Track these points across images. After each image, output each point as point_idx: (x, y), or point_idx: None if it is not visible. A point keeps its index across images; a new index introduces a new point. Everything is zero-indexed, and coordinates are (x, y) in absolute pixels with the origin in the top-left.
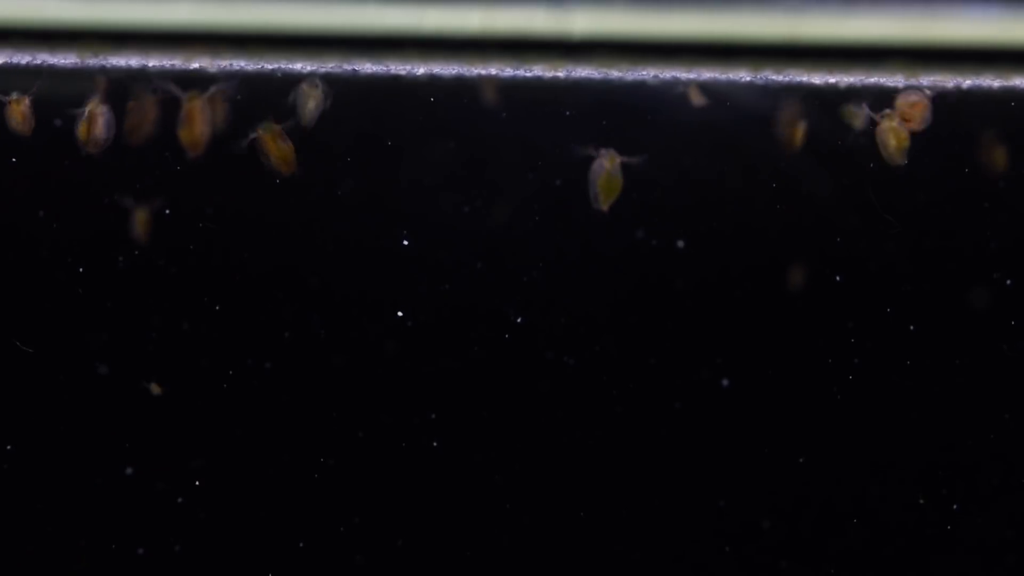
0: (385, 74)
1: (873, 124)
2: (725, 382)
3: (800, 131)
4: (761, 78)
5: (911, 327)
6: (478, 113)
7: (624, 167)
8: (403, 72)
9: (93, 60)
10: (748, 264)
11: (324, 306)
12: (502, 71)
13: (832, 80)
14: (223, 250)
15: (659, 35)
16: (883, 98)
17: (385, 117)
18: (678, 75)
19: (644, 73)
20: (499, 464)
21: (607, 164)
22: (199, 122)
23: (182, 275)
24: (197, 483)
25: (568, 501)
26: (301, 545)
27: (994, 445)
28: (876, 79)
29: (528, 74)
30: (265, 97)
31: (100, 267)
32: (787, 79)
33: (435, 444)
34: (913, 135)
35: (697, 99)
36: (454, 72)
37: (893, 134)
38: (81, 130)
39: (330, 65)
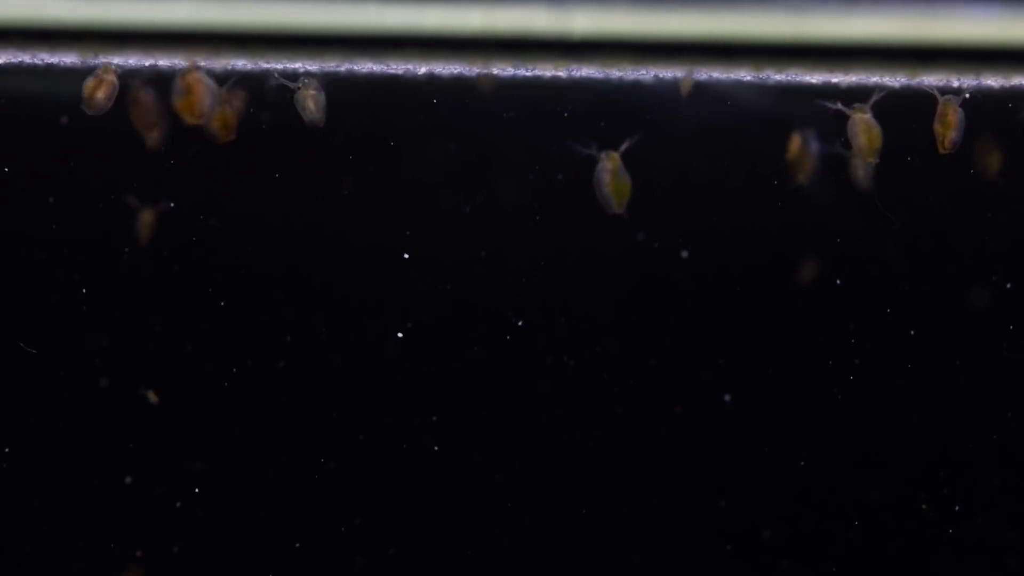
0: (385, 73)
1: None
2: (726, 385)
3: (804, 157)
4: (762, 77)
5: (912, 327)
6: (479, 113)
7: (625, 163)
8: (402, 71)
9: (95, 60)
10: (748, 264)
11: (324, 306)
12: (503, 70)
13: (834, 79)
14: (223, 250)
15: (660, 34)
16: (884, 97)
17: (385, 116)
18: (679, 75)
19: (645, 72)
20: (500, 464)
21: (610, 166)
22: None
23: (182, 275)
24: (196, 483)
25: (568, 501)
26: (302, 546)
27: (996, 446)
28: (877, 78)
29: (528, 73)
30: (262, 96)
31: (99, 267)
32: (788, 78)
33: (435, 444)
34: (945, 141)
35: (687, 90)
36: (454, 71)
37: (864, 130)
38: (88, 87)
39: (331, 64)
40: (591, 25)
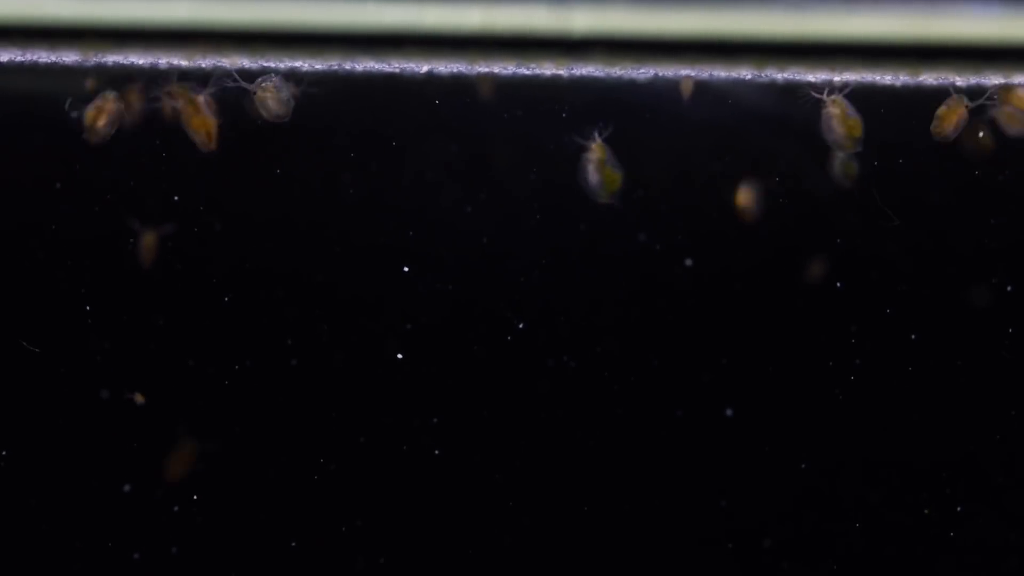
0: (384, 72)
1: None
2: (727, 386)
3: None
4: (763, 76)
5: (912, 328)
6: (479, 112)
7: (625, 162)
8: (400, 70)
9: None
10: (750, 264)
11: (325, 305)
12: (503, 69)
13: (836, 78)
14: (224, 249)
15: (660, 33)
16: (885, 97)
17: (386, 115)
18: (680, 73)
19: (645, 71)
20: (500, 464)
21: (597, 156)
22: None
23: (181, 274)
24: (196, 484)
25: (569, 501)
26: (302, 547)
27: (998, 446)
28: (879, 77)
29: (528, 72)
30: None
31: (100, 267)
32: (789, 77)
33: (435, 445)
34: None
35: (688, 90)
36: (454, 70)
37: (841, 121)
38: (89, 116)
39: (330, 63)
40: (591, 24)
